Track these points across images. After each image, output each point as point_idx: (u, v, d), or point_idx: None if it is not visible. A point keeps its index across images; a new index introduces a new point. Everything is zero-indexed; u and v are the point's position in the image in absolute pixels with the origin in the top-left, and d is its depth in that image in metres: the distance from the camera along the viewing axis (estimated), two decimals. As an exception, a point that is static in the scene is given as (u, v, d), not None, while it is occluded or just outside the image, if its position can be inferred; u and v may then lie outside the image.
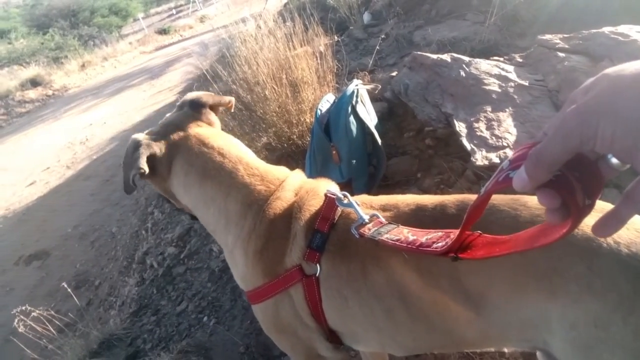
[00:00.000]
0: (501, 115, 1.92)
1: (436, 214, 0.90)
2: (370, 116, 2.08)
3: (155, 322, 2.34)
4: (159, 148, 1.08)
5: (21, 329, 2.21)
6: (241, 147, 1.16)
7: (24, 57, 18.40)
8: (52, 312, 2.32)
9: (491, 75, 2.12)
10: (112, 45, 20.23)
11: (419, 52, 2.50)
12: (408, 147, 2.45)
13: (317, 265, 0.96)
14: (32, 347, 2.46)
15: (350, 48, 3.64)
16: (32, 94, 14.35)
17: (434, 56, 2.38)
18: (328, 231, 0.97)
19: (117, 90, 11.58)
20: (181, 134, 1.11)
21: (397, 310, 0.91)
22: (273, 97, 2.33)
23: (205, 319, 2.14)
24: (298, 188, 1.07)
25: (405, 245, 0.77)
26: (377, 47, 3.03)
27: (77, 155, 7.59)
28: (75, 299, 3.11)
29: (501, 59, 2.38)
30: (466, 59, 2.28)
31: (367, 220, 0.91)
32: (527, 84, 2.04)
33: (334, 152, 1.95)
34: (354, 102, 1.94)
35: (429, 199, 0.96)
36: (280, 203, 1.02)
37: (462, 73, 2.18)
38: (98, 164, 6.91)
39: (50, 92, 14.59)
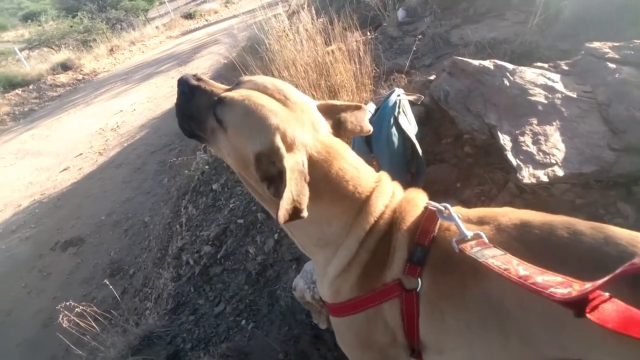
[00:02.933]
0: (548, 128, 1.87)
1: (544, 234, 0.86)
2: (411, 125, 2.07)
3: (194, 321, 2.40)
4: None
5: (65, 324, 2.30)
6: (353, 154, 1.07)
7: (53, 39, 18.74)
8: (95, 308, 2.40)
9: (537, 85, 2.07)
10: (139, 29, 20.46)
11: (459, 57, 2.45)
12: (446, 154, 2.42)
13: (418, 279, 0.95)
14: (69, 335, 2.55)
15: (385, 46, 3.58)
16: (62, 78, 14.66)
17: (476, 62, 2.33)
18: (429, 244, 0.96)
19: (146, 77, 11.73)
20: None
21: (493, 326, 0.90)
22: (312, 104, 2.33)
23: (243, 322, 2.19)
24: (398, 197, 1.07)
25: (515, 277, 0.73)
26: (414, 48, 2.98)
27: (109, 142, 7.75)
28: (112, 288, 3.20)
29: (546, 65, 2.31)
30: (510, 66, 2.22)
31: (469, 237, 0.89)
32: (574, 95, 1.98)
33: (374, 162, 1.95)
34: (396, 114, 1.92)
35: (531, 215, 0.93)
36: (388, 215, 1.01)
37: (506, 82, 2.13)
38: (129, 152, 7.05)
39: (80, 77, 14.88)
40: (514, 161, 1.80)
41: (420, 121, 2.40)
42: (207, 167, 3.80)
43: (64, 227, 5.50)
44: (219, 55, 7.78)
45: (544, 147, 1.80)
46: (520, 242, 0.88)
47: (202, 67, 10.45)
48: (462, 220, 0.95)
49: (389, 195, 1.04)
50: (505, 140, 1.91)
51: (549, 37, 2.92)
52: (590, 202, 1.84)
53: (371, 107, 2.08)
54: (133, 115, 8.74)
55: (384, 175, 1.10)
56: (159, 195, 5.42)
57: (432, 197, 2.23)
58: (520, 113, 2.00)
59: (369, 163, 1.97)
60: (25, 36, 20.72)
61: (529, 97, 2.03)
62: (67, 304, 2.35)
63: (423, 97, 1.98)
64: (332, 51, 2.55)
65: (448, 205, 0.98)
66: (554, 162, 1.73)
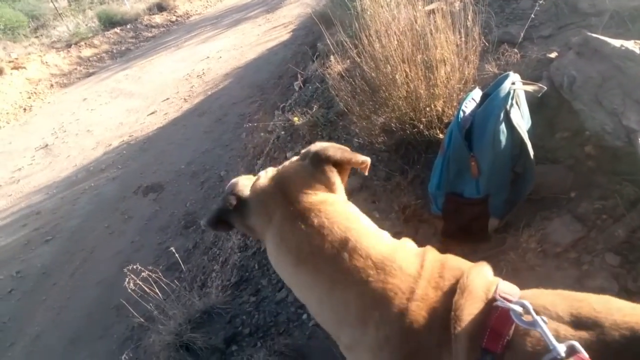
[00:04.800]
0: None
1: None
2: (524, 120, 1.70)
3: (255, 304, 2.30)
4: (257, 196, 0.95)
5: (131, 287, 2.29)
6: (353, 222, 0.90)
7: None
8: (160, 274, 2.38)
9: (700, 81, 1.60)
10: (233, -30, 20.34)
11: (592, 35, 1.98)
12: (560, 151, 2.02)
13: None
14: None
15: (495, 9, 3.07)
16: (157, 18, 15.06)
17: (616, 43, 1.86)
18: (503, 351, 0.71)
19: (235, 22, 11.68)
20: (283, 195, 0.92)
21: None
22: (402, 81, 2.01)
23: (304, 316, 2.03)
24: (439, 279, 0.81)
25: None
26: (532, 16, 2.50)
27: (194, 89, 7.85)
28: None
29: None
30: (664, 51, 1.75)
31: (562, 355, 0.63)
32: None
33: (472, 163, 1.63)
34: (508, 107, 1.57)
35: None
36: (423, 307, 0.77)
37: (657, 73, 1.67)
38: (212, 101, 7.10)
39: (173, 18, 15.20)
40: (659, 182, 1.40)
41: (531, 107, 2.00)
42: (282, 132, 3.62)
43: (147, 172, 5.69)
44: (307, 5, 7.44)
45: None
46: None
47: (289, 15, 10.17)
48: (551, 318, 0.70)
49: (401, 272, 0.81)
50: (648, 151, 1.50)
51: None
52: None
53: (476, 94, 1.73)
54: (218, 62, 8.75)
55: (407, 245, 0.89)
56: (236, 150, 5.40)
57: (539, 205, 1.88)
58: (672, 117, 1.56)
59: (467, 163, 1.66)
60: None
61: (688, 96, 1.58)
62: (134, 267, 2.34)
63: (545, 88, 1.60)
64: (434, 14, 2.18)
65: (528, 304, 0.70)
66: None
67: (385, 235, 0.92)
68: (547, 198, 1.84)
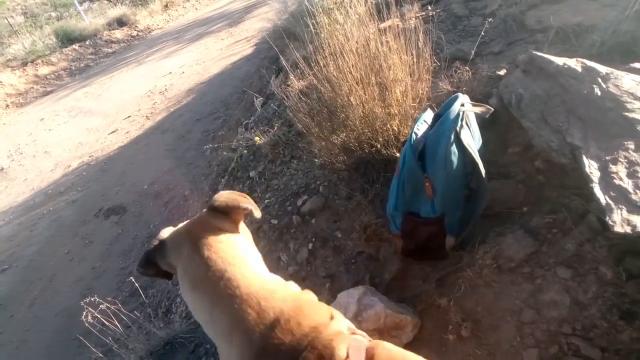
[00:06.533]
0: (648, 158, 1.51)
1: None
2: (474, 140, 1.74)
3: (219, 332, 2.25)
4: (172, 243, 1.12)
5: (89, 321, 2.21)
6: (236, 259, 1.05)
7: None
8: (120, 306, 2.30)
9: (636, 98, 1.68)
10: (195, -16, 20.23)
11: (538, 53, 2.05)
12: (512, 167, 2.09)
13: None
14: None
15: (447, 26, 3.15)
16: (118, 34, 14.81)
17: (559, 61, 1.93)
18: None
19: (197, 37, 11.59)
20: (189, 236, 1.10)
21: None
22: (358, 103, 2.03)
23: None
24: (295, 325, 0.92)
25: None
26: (482, 33, 2.58)
27: (156, 106, 7.72)
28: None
29: (647, 67, 1.90)
30: (602, 70, 1.82)
31: None
32: (687, 115, 1.59)
33: (427, 184, 1.65)
34: (458, 128, 1.60)
35: None
36: (273, 342, 0.89)
37: (597, 90, 1.75)
38: (175, 118, 6.99)
39: (134, 33, 14.97)
40: (602, 198, 1.46)
41: (483, 124, 2.06)
42: (245, 151, 3.59)
43: (108, 193, 5.54)
44: (268, 20, 7.46)
45: (643, 184, 1.44)
46: None
47: (251, 29, 10.17)
48: None
49: (274, 308, 0.95)
50: (591, 167, 1.56)
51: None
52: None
53: (428, 116, 1.77)
54: (181, 78, 8.65)
55: (278, 289, 1.02)
56: (200, 167, 5.33)
57: (493, 221, 1.93)
58: (613, 133, 1.63)
59: (421, 184, 1.69)
60: (86, -12, 21.03)
61: (626, 113, 1.65)
62: (92, 299, 2.26)
63: (492, 109, 1.65)
64: (386, 35, 2.21)
65: None
66: (657, 206, 1.38)
67: (269, 276, 1.06)
68: (501, 213, 1.89)
